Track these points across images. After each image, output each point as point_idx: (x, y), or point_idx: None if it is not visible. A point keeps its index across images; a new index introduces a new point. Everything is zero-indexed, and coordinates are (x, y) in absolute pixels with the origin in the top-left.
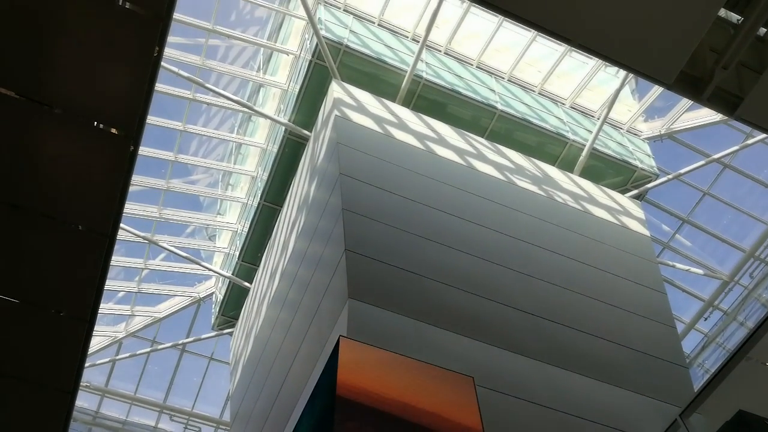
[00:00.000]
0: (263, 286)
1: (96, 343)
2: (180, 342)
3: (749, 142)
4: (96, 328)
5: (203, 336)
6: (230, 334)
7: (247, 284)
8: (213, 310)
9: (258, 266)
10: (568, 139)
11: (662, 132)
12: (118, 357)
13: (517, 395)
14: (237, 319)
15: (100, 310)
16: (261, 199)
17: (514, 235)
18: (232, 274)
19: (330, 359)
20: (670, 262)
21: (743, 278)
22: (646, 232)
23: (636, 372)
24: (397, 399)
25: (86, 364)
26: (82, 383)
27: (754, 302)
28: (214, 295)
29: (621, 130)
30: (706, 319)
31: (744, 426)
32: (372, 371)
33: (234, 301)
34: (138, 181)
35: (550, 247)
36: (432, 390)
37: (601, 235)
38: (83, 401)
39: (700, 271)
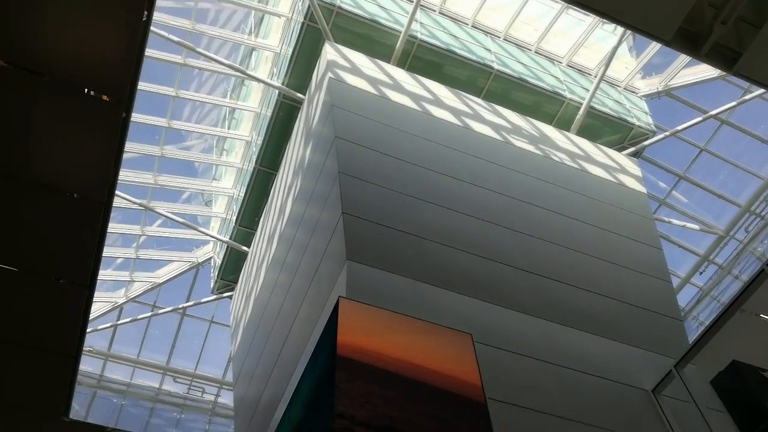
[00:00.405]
0: (261, 250)
1: (97, 308)
2: (180, 306)
3: (747, 97)
4: (96, 294)
5: (203, 300)
6: (230, 297)
7: (245, 248)
8: (212, 275)
9: (255, 230)
10: (565, 97)
11: (660, 89)
12: (119, 322)
13: (515, 350)
14: (236, 282)
15: (99, 277)
16: (256, 163)
17: (511, 194)
18: (230, 238)
19: (330, 320)
20: (666, 219)
21: (738, 233)
22: (643, 190)
23: (632, 326)
24: (398, 357)
25: (88, 330)
26: (86, 348)
27: (749, 256)
28: (212, 260)
29: (618, 88)
30: (701, 273)
31: (737, 375)
32: (372, 330)
33: (232, 265)
34: (132, 148)
35: (547, 206)
36: (431, 347)
37: (598, 193)
38: (87, 365)
39: (696, 227)
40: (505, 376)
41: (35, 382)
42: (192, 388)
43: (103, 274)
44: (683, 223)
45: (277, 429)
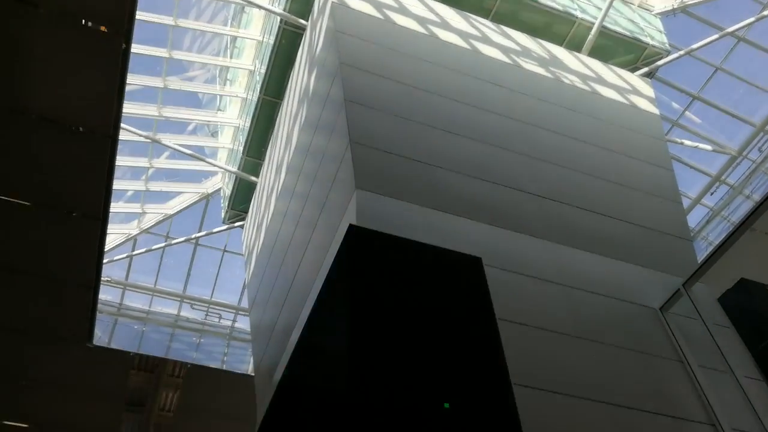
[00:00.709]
0: (270, 179)
1: (112, 240)
2: (193, 236)
3: (766, 12)
4: (110, 226)
5: (215, 230)
6: (241, 226)
7: (253, 178)
8: (222, 205)
9: (263, 160)
10: (576, 17)
11: (675, 6)
12: (134, 253)
13: (524, 273)
14: (246, 212)
15: (112, 209)
16: (260, 93)
17: (521, 118)
18: (238, 169)
19: (341, 247)
20: (679, 140)
21: (752, 152)
22: (656, 111)
23: (641, 246)
24: (409, 282)
25: (106, 261)
26: (104, 278)
27: (761, 176)
28: (221, 190)
29: (632, 6)
30: (712, 193)
31: (745, 292)
32: (383, 257)
33: (242, 195)
34: (134, 80)
35: (557, 129)
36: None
37: (609, 115)
38: (107, 295)
39: (709, 147)
40: (514, 297)
41: (58, 312)
42: (209, 314)
43: (115, 206)
44: (696, 144)
45: (293, 351)
